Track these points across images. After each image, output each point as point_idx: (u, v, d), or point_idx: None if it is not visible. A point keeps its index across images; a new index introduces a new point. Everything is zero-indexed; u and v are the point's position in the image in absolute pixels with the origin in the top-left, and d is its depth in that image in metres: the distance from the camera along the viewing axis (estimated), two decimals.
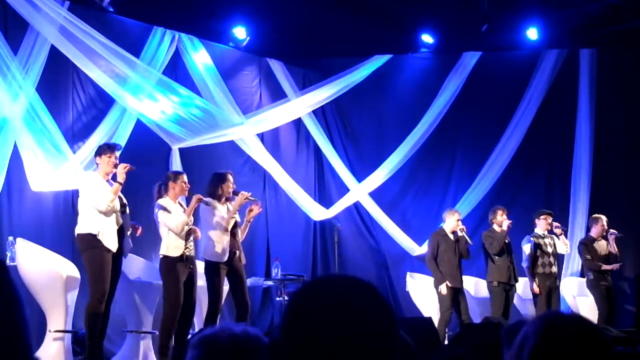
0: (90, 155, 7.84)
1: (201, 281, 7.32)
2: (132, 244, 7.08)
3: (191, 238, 7.02)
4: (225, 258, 7.10)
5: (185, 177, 7.11)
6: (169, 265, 6.86)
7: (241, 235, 7.42)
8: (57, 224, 8.21)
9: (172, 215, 6.89)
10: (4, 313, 1.14)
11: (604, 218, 9.53)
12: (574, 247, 9.86)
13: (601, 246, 9.48)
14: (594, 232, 9.57)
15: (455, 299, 8.78)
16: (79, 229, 6.59)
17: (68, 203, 8.26)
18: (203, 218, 7.34)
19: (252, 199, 7.41)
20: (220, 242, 7.11)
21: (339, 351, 1.24)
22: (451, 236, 8.95)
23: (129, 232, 6.81)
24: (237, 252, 7.24)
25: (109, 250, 6.50)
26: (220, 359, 1.83)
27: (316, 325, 1.26)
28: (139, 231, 7.02)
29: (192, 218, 7.14)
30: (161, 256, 6.93)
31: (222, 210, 7.23)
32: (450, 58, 11.07)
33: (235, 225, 7.28)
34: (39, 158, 7.80)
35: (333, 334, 1.25)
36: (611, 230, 9.46)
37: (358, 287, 1.34)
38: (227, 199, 7.35)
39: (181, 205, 7.08)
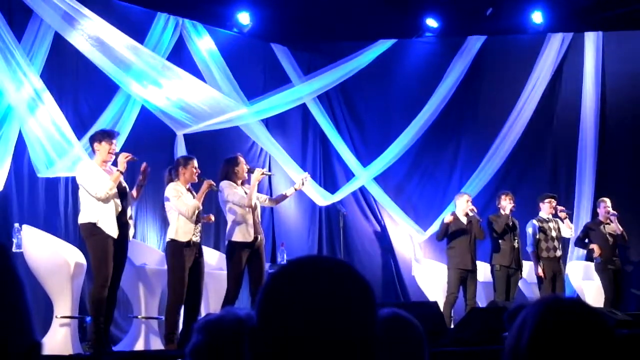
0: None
1: (207, 268, 7.33)
2: (138, 229, 7.11)
3: (200, 224, 7.02)
4: (251, 238, 7.10)
5: (195, 163, 7.04)
6: (176, 250, 6.84)
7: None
8: (63, 211, 8.23)
9: (182, 199, 6.88)
10: (4, 297, 1.13)
11: (607, 200, 9.57)
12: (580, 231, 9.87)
13: (610, 228, 9.50)
14: (599, 215, 9.63)
15: (464, 281, 8.78)
16: (81, 218, 6.61)
17: (74, 190, 8.28)
18: (222, 202, 7.32)
19: (268, 173, 7.74)
20: (245, 221, 7.11)
21: (314, 337, 1.21)
22: (463, 219, 8.94)
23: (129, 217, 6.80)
24: (259, 236, 7.24)
25: (110, 237, 6.51)
26: (225, 343, 1.84)
27: (291, 311, 1.22)
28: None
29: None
30: (169, 240, 6.91)
31: (241, 191, 7.22)
32: (455, 42, 11.02)
33: (255, 209, 7.29)
34: (44, 145, 7.80)
35: (308, 319, 1.21)
36: (611, 212, 9.50)
37: (336, 269, 1.28)
38: (243, 182, 7.34)
39: (190, 192, 7.03)
